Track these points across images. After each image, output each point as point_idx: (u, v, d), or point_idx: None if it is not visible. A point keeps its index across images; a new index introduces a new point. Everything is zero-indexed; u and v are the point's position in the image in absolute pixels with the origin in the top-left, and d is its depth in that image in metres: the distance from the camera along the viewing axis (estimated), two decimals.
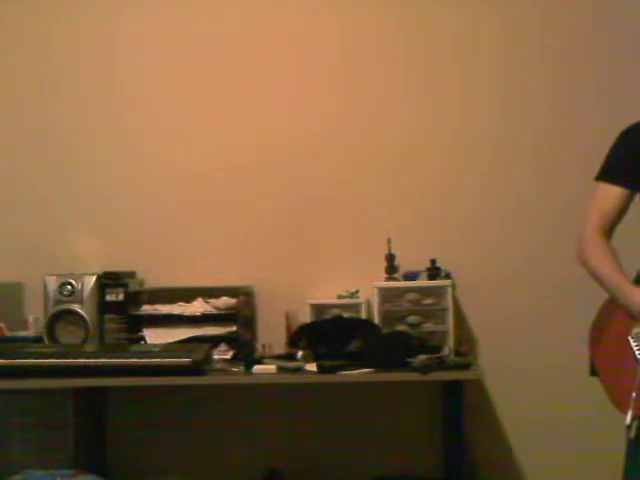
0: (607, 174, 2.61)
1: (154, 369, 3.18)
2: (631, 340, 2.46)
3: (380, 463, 3.67)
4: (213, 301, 3.63)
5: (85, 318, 3.55)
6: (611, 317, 2.54)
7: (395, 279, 3.64)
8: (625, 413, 2.37)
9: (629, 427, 2.36)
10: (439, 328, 3.55)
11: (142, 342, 3.54)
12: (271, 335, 3.67)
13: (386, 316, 3.56)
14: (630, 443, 2.44)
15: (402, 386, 3.50)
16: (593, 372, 2.56)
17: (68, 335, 3.55)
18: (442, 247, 3.71)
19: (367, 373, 3.20)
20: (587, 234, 2.60)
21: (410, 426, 3.73)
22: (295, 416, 3.76)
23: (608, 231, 2.60)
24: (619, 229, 2.63)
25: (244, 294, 3.67)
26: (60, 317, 3.56)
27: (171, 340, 3.47)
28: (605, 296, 2.58)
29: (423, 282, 3.61)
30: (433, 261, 3.62)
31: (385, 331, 3.48)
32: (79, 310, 3.56)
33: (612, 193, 2.58)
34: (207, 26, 3.88)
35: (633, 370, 2.40)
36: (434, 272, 3.61)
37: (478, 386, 3.60)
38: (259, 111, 3.86)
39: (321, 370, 3.20)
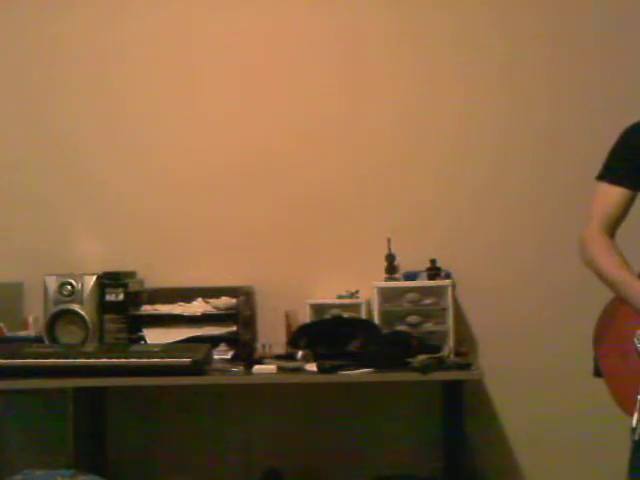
0: (608, 174, 2.59)
1: (154, 369, 3.17)
2: (636, 341, 2.44)
3: (380, 463, 3.68)
4: (213, 301, 3.63)
5: (85, 318, 3.54)
6: (615, 317, 2.52)
7: (395, 279, 3.64)
8: (631, 415, 2.36)
9: (634, 429, 2.35)
10: (439, 328, 3.54)
11: (142, 342, 3.53)
12: (271, 335, 3.66)
13: (386, 316, 3.55)
14: (635, 445, 2.42)
15: (402, 386, 3.50)
16: (597, 373, 2.54)
17: (68, 335, 3.54)
18: (442, 247, 3.71)
19: (367, 373, 3.18)
20: (589, 235, 2.58)
21: (410, 426, 3.73)
22: (295, 416, 3.76)
23: (610, 232, 2.58)
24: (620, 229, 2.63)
25: (244, 294, 3.66)
26: (60, 317, 3.55)
27: (171, 340, 3.46)
28: (607, 296, 2.56)
29: (423, 282, 3.60)
30: (433, 261, 3.62)
31: (385, 331, 3.47)
32: (79, 310, 3.55)
33: (613, 194, 2.57)
34: (207, 28, 3.88)
35: (638, 372, 2.39)
36: (434, 272, 3.60)
37: (478, 386, 3.60)
38: (259, 111, 3.85)
39: (321, 370, 3.18)
